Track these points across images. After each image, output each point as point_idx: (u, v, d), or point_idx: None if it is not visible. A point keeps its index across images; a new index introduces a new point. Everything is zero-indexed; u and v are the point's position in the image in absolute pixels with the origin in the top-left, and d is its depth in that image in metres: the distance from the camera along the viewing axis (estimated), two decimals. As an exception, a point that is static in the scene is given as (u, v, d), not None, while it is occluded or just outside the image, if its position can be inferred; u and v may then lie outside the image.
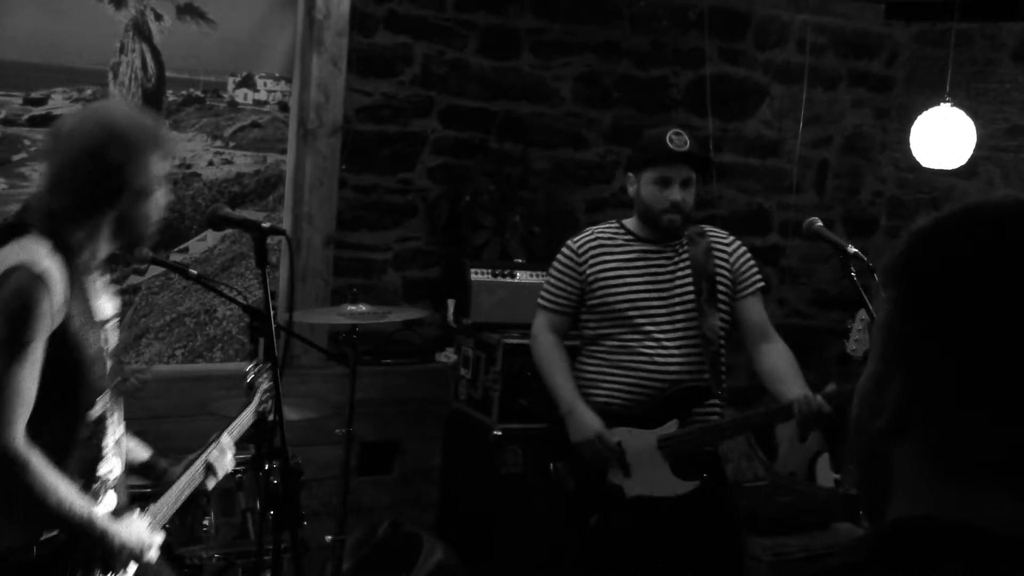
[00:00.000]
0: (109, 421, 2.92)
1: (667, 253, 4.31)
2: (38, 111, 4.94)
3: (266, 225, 2.83)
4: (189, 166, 5.30)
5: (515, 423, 5.26)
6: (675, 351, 4.23)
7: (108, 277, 3.00)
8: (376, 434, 5.50)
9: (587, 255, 4.32)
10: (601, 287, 4.27)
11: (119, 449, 3.01)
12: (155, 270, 5.13)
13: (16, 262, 2.68)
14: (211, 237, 5.35)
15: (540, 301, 4.42)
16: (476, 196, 5.88)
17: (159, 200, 2.91)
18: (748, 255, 4.44)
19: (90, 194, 2.80)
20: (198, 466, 3.17)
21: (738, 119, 6.81)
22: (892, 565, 1.08)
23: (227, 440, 3.26)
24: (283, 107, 5.49)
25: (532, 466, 5.24)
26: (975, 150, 5.94)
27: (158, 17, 5.10)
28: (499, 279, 5.52)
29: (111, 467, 2.97)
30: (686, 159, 4.25)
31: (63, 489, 2.70)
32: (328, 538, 4.59)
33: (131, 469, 3.18)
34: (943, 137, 5.89)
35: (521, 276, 5.56)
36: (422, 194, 5.90)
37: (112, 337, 2.95)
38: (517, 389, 5.28)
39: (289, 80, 5.49)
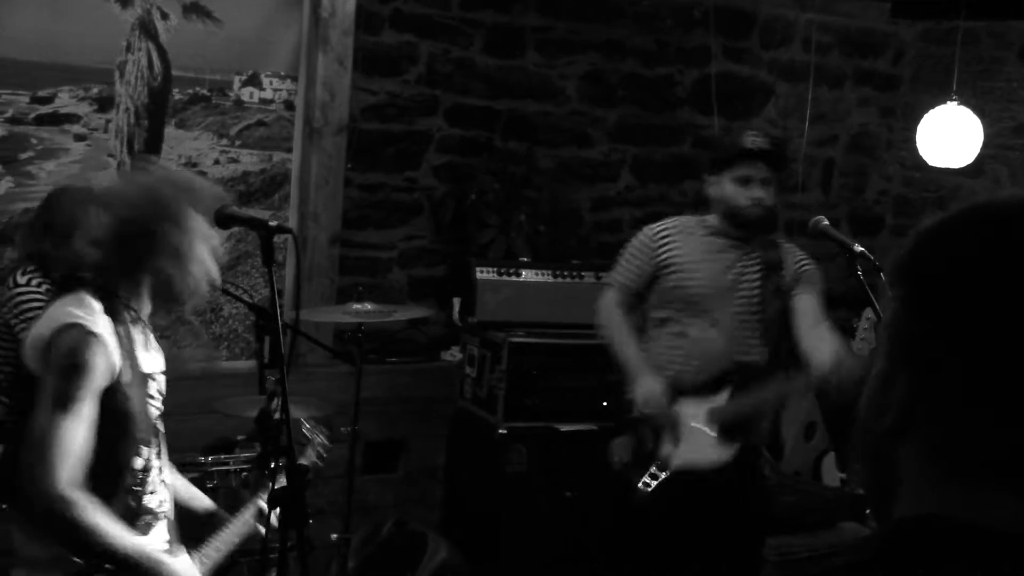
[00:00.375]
0: (153, 470, 2.99)
1: (742, 250, 4.43)
2: (45, 110, 4.94)
3: (273, 223, 2.83)
4: (195, 164, 5.30)
5: (520, 422, 5.26)
6: (746, 338, 4.40)
7: (153, 333, 3.08)
8: (381, 433, 5.50)
9: (663, 240, 4.45)
10: (675, 272, 4.40)
11: (166, 487, 3.08)
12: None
13: (72, 320, 2.78)
14: (217, 235, 5.35)
15: (610, 279, 4.56)
16: (481, 195, 5.88)
17: (201, 263, 2.99)
18: (813, 265, 4.55)
19: (129, 254, 2.90)
20: (250, 512, 3.27)
21: (743, 118, 6.80)
22: (896, 564, 1.08)
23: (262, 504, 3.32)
24: (289, 106, 5.50)
25: (537, 465, 5.25)
26: (981, 148, 5.93)
27: (164, 16, 5.11)
28: (505, 278, 5.51)
29: (160, 499, 3.04)
30: (765, 158, 4.36)
31: (111, 525, 2.77)
32: (333, 536, 4.59)
33: (189, 514, 3.29)
34: (949, 136, 5.88)
35: (526, 275, 5.56)
36: (427, 193, 5.90)
37: (157, 389, 3.03)
38: (522, 388, 5.28)
39: (295, 79, 5.49)
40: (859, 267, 3.94)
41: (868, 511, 5.69)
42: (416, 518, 5.30)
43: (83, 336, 2.76)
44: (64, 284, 2.94)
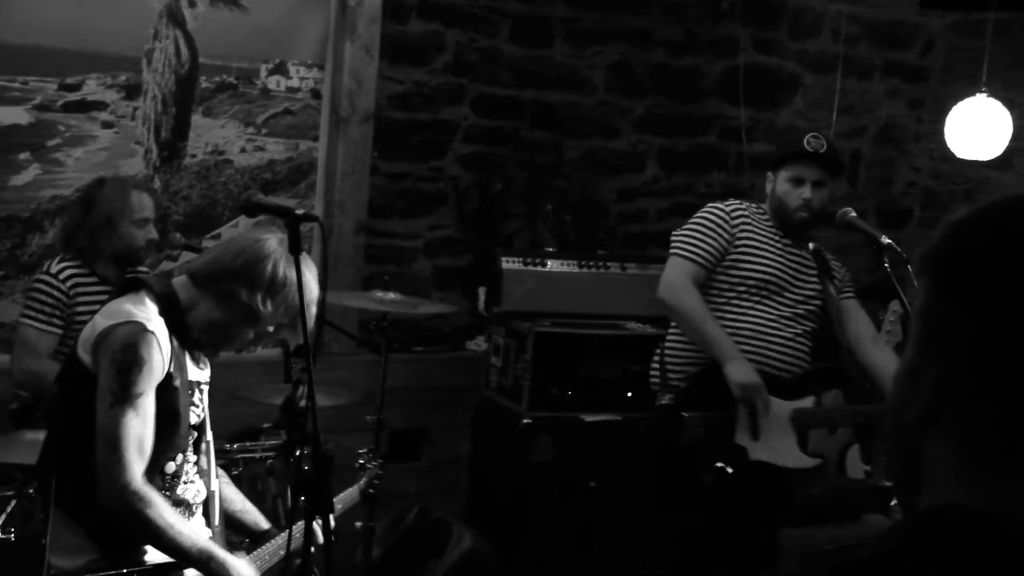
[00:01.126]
0: (187, 467, 3.06)
1: (798, 249, 4.52)
2: (72, 97, 4.96)
3: (300, 212, 2.84)
4: (221, 152, 5.31)
5: (545, 411, 5.25)
6: (801, 335, 4.45)
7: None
8: (406, 421, 5.51)
9: (739, 220, 4.48)
10: (745, 254, 4.44)
11: (203, 479, 3.16)
12: (187, 256, 5.14)
13: (129, 317, 2.86)
14: (243, 223, 5.36)
15: (680, 251, 4.46)
16: (507, 184, 5.88)
17: (259, 336, 3.11)
18: (849, 277, 4.67)
19: (217, 291, 3.00)
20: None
21: (771, 109, 6.78)
22: (921, 555, 1.08)
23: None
24: (315, 94, 5.50)
25: (561, 454, 5.25)
26: (1011, 141, 5.89)
27: (191, 3, 5.12)
28: (530, 267, 5.51)
29: (197, 489, 3.12)
30: (819, 160, 4.42)
31: (182, 523, 2.89)
32: (357, 524, 4.59)
33: (241, 529, 3.37)
34: (978, 128, 5.85)
35: (552, 265, 5.55)
36: (453, 182, 5.90)
37: (199, 398, 3.10)
38: (547, 378, 5.27)
39: (322, 67, 5.50)
40: (886, 259, 3.93)
41: (893, 503, 5.68)
42: (440, 507, 5.31)
43: (140, 332, 2.83)
44: (127, 284, 3.02)
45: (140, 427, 2.82)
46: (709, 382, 4.28)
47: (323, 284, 3.10)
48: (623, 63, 6.31)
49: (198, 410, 3.08)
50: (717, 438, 4.27)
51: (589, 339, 5.40)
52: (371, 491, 3.98)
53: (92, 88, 4.99)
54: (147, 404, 2.83)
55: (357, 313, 5.45)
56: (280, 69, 5.41)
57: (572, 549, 5.20)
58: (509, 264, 5.49)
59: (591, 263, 5.65)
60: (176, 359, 2.93)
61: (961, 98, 5.96)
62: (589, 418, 5.35)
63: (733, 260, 4.43)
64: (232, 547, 3.16)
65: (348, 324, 5.35)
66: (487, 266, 5.66)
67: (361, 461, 3.98)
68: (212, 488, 3.20)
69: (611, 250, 5.98)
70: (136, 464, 2.81)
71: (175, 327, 2.94)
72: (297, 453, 3.30)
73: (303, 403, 3.28)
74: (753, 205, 4.60)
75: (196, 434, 3.09)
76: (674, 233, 4.56)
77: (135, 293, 2.94)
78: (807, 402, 4.36)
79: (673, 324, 4.56)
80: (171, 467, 2.98)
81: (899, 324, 4.93)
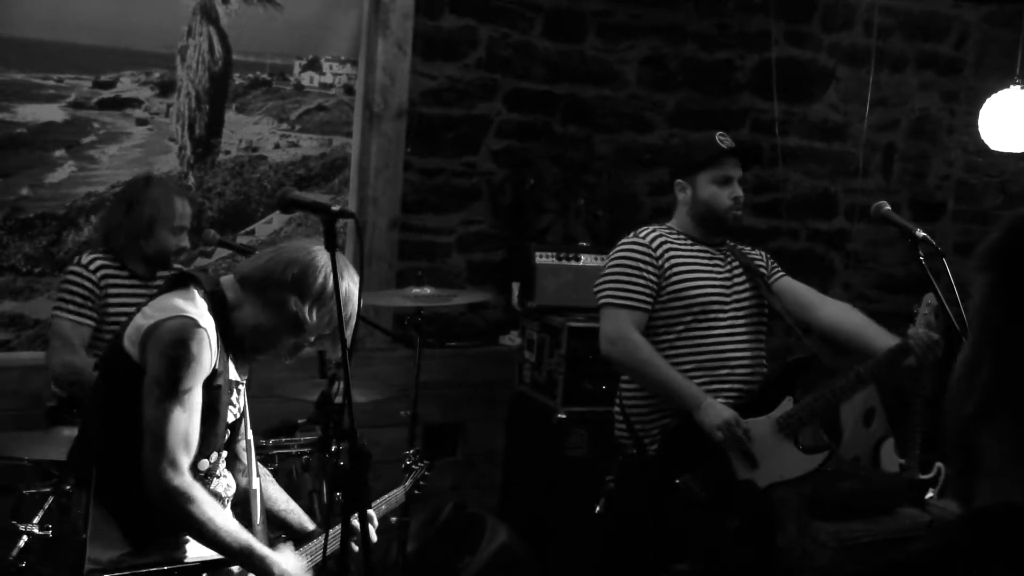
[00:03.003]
0: (218, 468, 3.07)
1: (720, 255, 4.34)
2: (107, 94, 4.99)
3: (336, 208, 2.82)
4: (255, 149, 5.33)
5: (579, 406, 5.26)
6: (748, 344, 4.27)
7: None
8: (440, 416, 5.52)
9: (660, 249, 4.23)
10: (679, 282, 4.20)
11: (236, 475, 3.18)
12: (222, 252, 5.17)
13: (179, 312, 2.86)
14: (277, 219, 5.39)
15: (615, 300, 4.20)
16: (540, 179, 5.88)
17: (300, 342, 3.09)
18: (767, 257, 4.53)
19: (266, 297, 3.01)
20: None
21: (804, 102, 6.75)
22: (974, 551, 1.07)
23: (371, 513, 3.34)
24: (349, 90, 5.51)
25: (596, 449, 5.24)
26: (1046, 133, 5.86)
27: (225, 0, 5.13)
28: (564, 262, 5.51)
29: (227, 484, 3.13)
30: (739, 155, 4.32)
31: (225, 519, 2.90)
32: (393, 519, 4.60)
33: (285, 528, 3.37)
34: (1013, 120, 5.82)
35: (586, 259, 5.55)
36: (486, 177, 5.90)
37: (237, 397, 3.10)
38: (582, 372, 5.27)
39: (355, 63, 5.51)
40: (921, 252, 3.90)
41: (927, 496, 5.66)
42: (475, 502, 5.32)
43: (191, 327, 2.83)
44: (176, 279, 3.01)
45: (187, 422, 2.82)
46: (686, 435, 4.08)
47: (361, 280, 3.10)
48: (655, 57, 6.29)
49: (235, 409, 3.09)
50: (722, 487, 4.11)
51: (623, 334, 5.39)
52: (416, 492, 3.98)
53: (126, 85, 5.02)
54: (195, 400, 2.84)
55: (391, 309, 5.46)
56: (313, 65, 5.42)
57: (606, 543, 5.20)
58: (542, 259, 5.49)
59: (624, 258, 5.64)
60: (221, 357, 2.94)
61: (995, 90, 5.92)
62: (623, 413, 5.34)
63: (672, 292, 4.19)
64: (272, 543, 3.16)
65: (382, 320, 5.36)
66: (520, 261, 5.66)
67: (408, 462, 3.98)
68: (254, 486, 3.21)
69: (644, 244, 5.96)
70: (182, 459, 2.81)
71: (220, 326, 2.95)
72: (333, 449, 3.30)
73: (338, 399, 3.30)
74: (660, 228, 4.35)
75: (230, 432, 3.09)
76: (597, 282, 4.30)
77: (185, 289, 2.95)
78: (787, 405, 4.16)
79: (625, 377, 4.32)
80: (205, 464, 2.98)
81: (933, 316, 4.89)
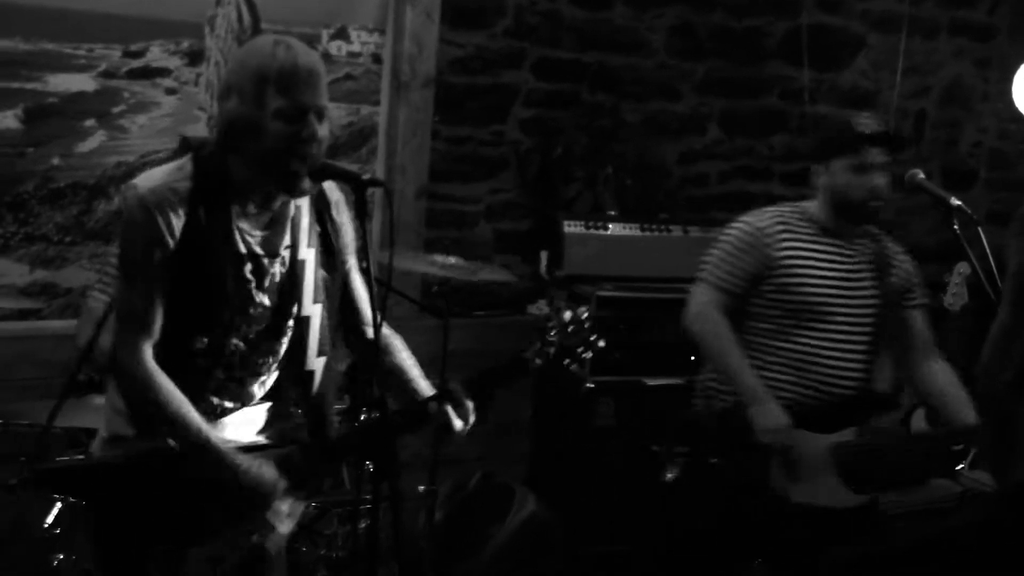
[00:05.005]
0: (234, 353, 2.88)
1: (850, 250, 4.12)
2: (136, 64, 4.99)
3: (366, 177, 2.79)
4: (284, 118, 5.32)
5: (607, 375, 5.26)
6: (856, 356, 4.06)
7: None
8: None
9: (775, 237, 4.04)
10: (789, 276, 4.02)
11: (244, 387, 2.96)
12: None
13: (137, 182, 2.72)
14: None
15: (709, 277, 4.10)
16: (568, 148, 5.87)
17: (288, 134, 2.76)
18: (915, 268, 4.25)
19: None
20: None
21: (834, 70, 6.70)
22: (1011, 527, 1.07)
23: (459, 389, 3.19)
24: (376, 59, 5.50)
25: (624, 418, 5.25)
26: (1079, 100, 5.81)
27: (253, -31, 5.13)
28: (592, 231, 5.50)
29: (232, 400, 2.95)
30: (883, 142, 4.04)
31: (182, 407, 2.74)
32: (420, 489, 4.61)
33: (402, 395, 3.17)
34: (1046, 87, 5.77)
35: (614, 228, 5.54)
36: (514, 146, 5.89)
37: (252, 271, 2.86)
38: (610, 341, 5.25)
39: (383, 32, 5.49)
40: (956, 221, 3.86)
41: (959, 467, 5.63)
42: (502, 471, 5.32)
43: (132, 198, 2.69)
44: (178, 150, 2.94)
45: (142, 300, 2.70)
46: (737, 420, 3.98)
47: (392, 249, 3.07)
48: (684, 25, 6.25)
49: (251, 285, 2.86)
50: (752, 487, 3.97)
51: (651, 303, 5.39)
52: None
53: (156, 55, 5.02)
54: (151, 274, 2.69)
55: (418, 278, 5.45)
56: (341, 34, 5.40)
57: (635, 513, 5.20)
58: (571, 228, 5.49)
59: (653, 226, 5.63)
60: (211, 227, 2.75)
61: (1029, 57, 5.88)
62: (651, 382, 5.35)
63: (778, 285, 4.02)
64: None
65: (409, 289, 5.36)
66: (549, 230, 5.65)
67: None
68: (310, 367, 3.02)
69: (673, 213, 5.95)
70: (137, 339, 2.70)
71: (222, 186, 2.77)
72: (362, 417, 3.30)
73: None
74: (795, 208, 4.14)
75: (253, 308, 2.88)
76: (707, 253, 4.19)
77: (183, 156, 2.80)
78: (847, 434, 3.98)
79: None
80: (207, 340, 2.81)
81: (964, 287, 4.86)
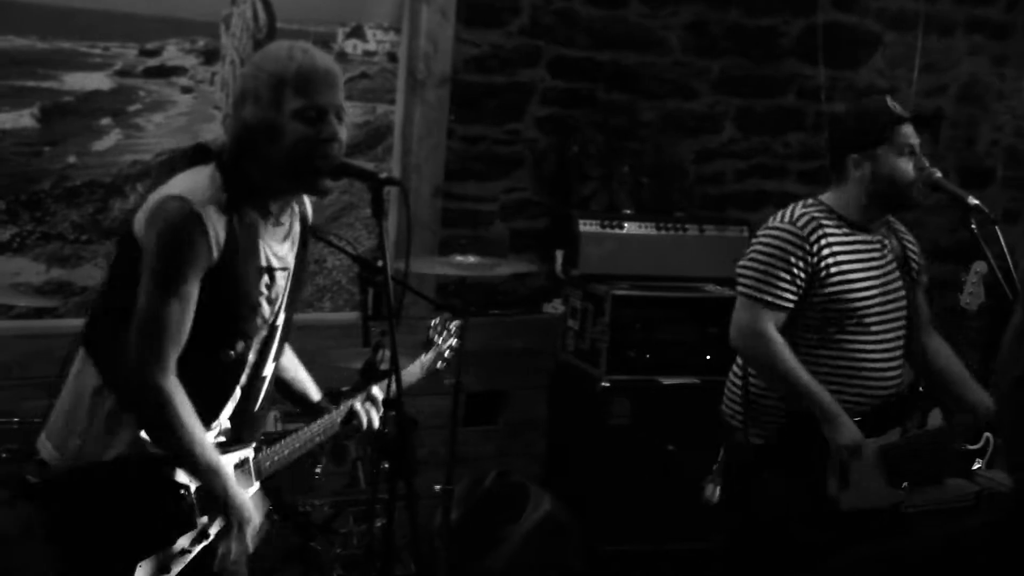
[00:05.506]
0: (248, 367, 2.92)
1: (878, 243, 3.96)
2: (152, 62, 4.99)
3: (383, 175, 2.79)
4: (299, 117, 5.32)
5: (623, 375, 5.26)
6: (895, 352, 3.96)
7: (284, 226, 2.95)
8: (483, 384, 5.51)
9: (815, 236, 3.81)
10: (839, 284, 3.82)
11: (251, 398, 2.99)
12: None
13: (177, 192, 2.67)
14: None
15: (755, 293, 3.82)
16: (584, 147, 5.86)
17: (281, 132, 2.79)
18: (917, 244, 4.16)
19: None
20: (333, 416, 3.23)
21: (850, 68, 6.68)
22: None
23: (377, 392, 3.28)
24: (392, 58, 5.50)
25: (639, 418, 5.24)
26: (1097, 98, 5.78)
27: (269, -32, 5.13)
28: (608, 230, 5.50)
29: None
30: (923, 122, 3.96)
31: (199, 430, 2.73)
32: (436, 487, 4.61)
33: (293, 398, 3.28)
34: (1064, 85, 5.74)
35: (629, 227, 5.54)
36: (530, 145, 5.88)
37: (266, 284, 2.89)
38: (625, 340, 5.27)
39: (398, 31, 5.49)
40: (973, 220, 3.83)
41: (974, 466, 5.61)
42: (518, 470, 5.32)
43: (188, 212, 2.64)
44: (194, 155, 2.80)
45: (180, 315, 2.66)
46: (797, 436, 3.81)
47: (408, 248, 3.06)
48: (699, 23, 6.24)
49: (269, 293, 2.89)
50: (804, 498, 3.82)
51: (667, 301, 5.39)
52: (439, 368, 3.83)
53: (172, 53, 5.02)
54: (189, 291, 2.67)
55: (434, 277, 5.45)
56: (357, 33, 5.41)
57: (650, 512, 5.20)
58: (586, 227, 5.48)
59: (669, 225, 5.62)
60: (240, 241, 2.74)
61: (1046, 55, 5.85)
62: (667, 381, 5.34)
63: (828, 295, 3.80)
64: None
65: (425, 288, 5.35)
66: (564, 229, 5.65)
67: (431, 334, 3.88)
68: (264, 374, 3.02)
69: (689, 212, 5.95)
70: (169, 356, 2.67)
71: (243, 197, 2.75)
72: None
73: (383, 366, 3.29)
74: (812, 207, 3.91)
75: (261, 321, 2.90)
76: (742, 263, 3.91)
77: (198, 167, 2.75)
78: (893, 435, 3.88)
79: None
80: (230, 355, 2.82)
81: (981, 285, 4.84)
